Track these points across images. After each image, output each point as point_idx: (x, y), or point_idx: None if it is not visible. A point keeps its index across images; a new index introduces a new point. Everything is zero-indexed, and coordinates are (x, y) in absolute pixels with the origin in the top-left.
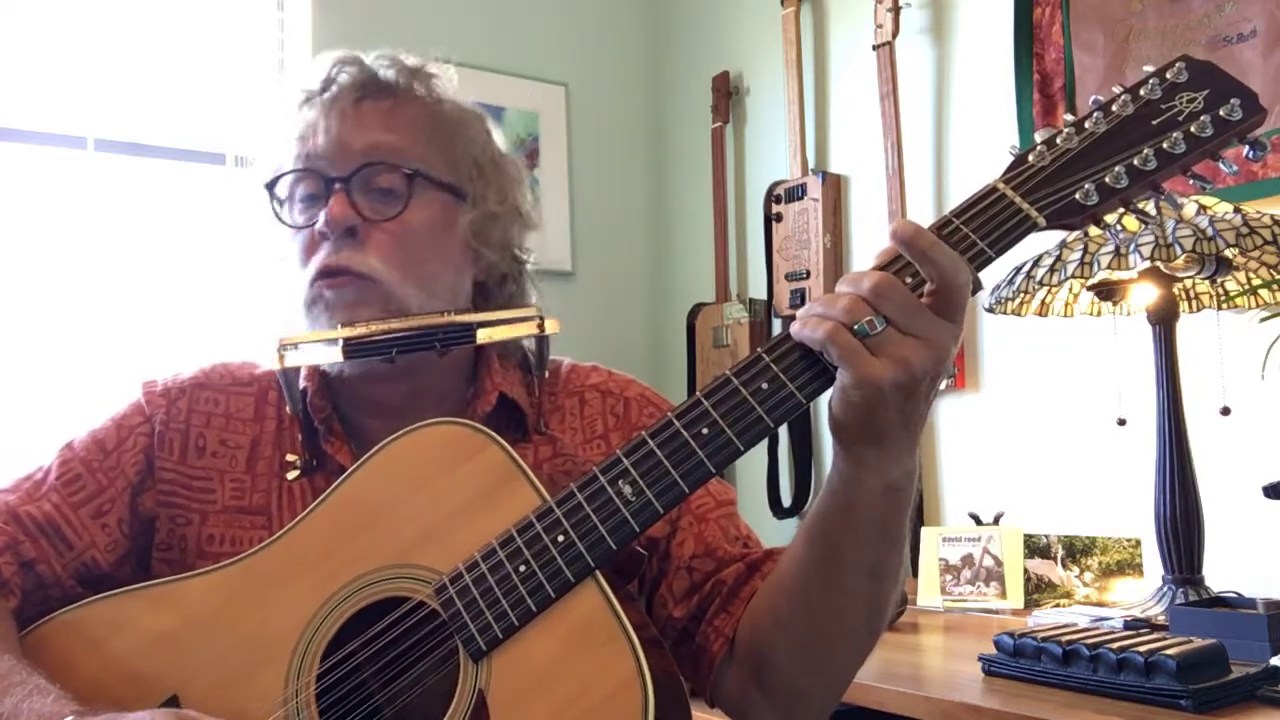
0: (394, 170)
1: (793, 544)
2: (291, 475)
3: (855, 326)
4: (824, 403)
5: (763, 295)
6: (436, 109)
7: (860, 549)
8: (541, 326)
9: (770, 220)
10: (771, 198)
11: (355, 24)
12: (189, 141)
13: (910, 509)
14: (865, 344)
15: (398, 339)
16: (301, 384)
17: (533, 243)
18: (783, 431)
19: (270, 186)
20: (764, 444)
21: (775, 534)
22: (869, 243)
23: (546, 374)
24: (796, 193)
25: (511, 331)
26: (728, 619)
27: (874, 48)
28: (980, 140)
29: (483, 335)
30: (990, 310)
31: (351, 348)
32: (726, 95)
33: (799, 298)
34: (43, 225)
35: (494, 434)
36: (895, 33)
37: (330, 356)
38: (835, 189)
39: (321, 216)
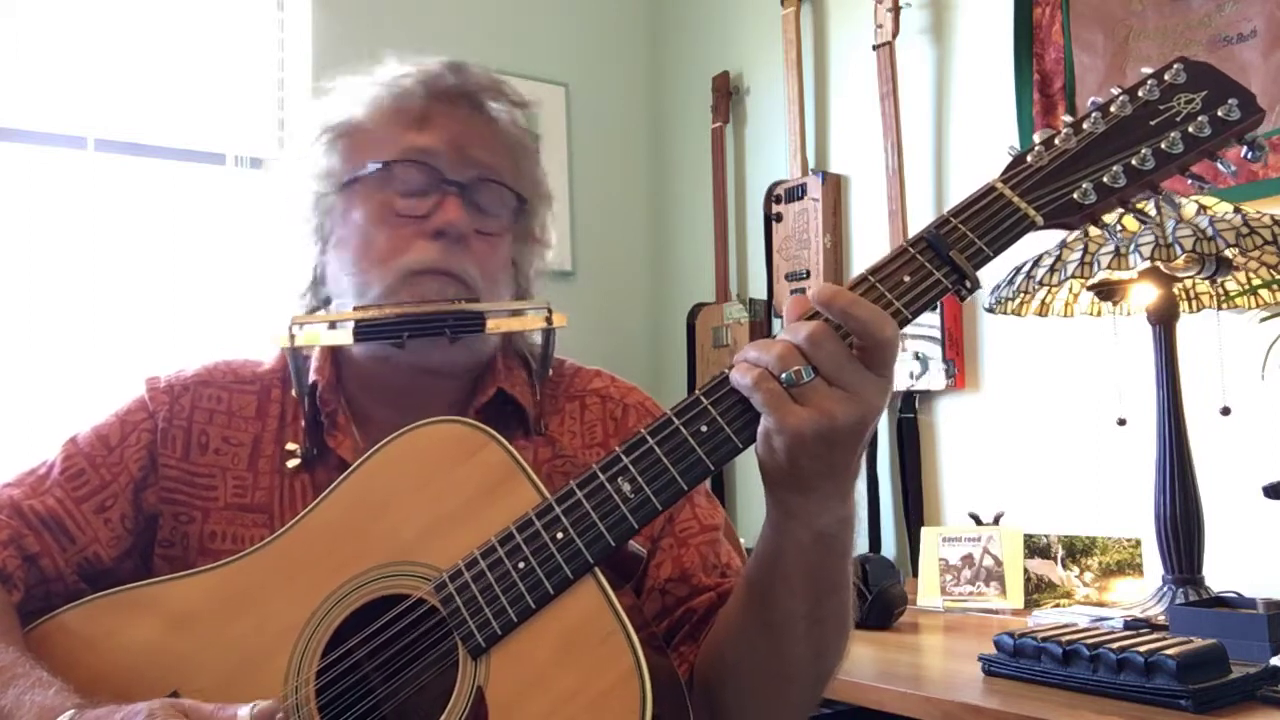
0: (503, 191)
1: (736, 586)
2: (292, 464)
3: (783, 376)
4: None
5: (763, 295)
6: (525, 140)
7: (792, 595)
8: (550, 320)
9: (770, 220)
10: (771, 198)
11: (355, 24)
12: (189, 141)
13: (850, 555)
14: (791, 393)
15: (409, 322)
16: (312, 377)
17: None
18: None
19: (388, 168)
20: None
21: None
22: (869, 243)
23: (550, 372)
24: (796, 193)
25: (521, 323)
26: (693, 647)
27: (874, 48)
28: (980, 140)
29: (492, 325)
30: (990, 310)
31: (363, 329)
32: (726, 95)
33: None
34: (43, 225)
35: (494, 432)
36: (895, 33)
37: (342, 338)
38: (835, 189)
39: (440, 217)
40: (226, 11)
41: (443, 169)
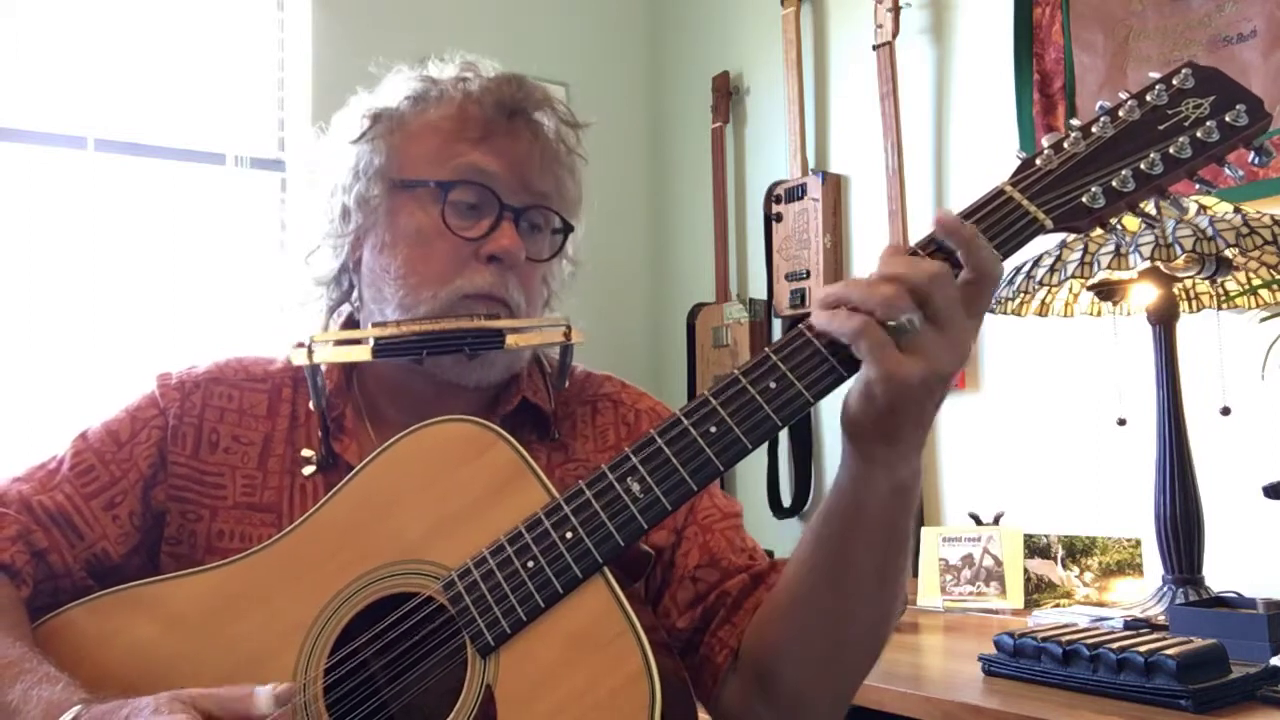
0: (555, 218)
1: (799, 548)
2: (307, 470)
3: (892, 323)
4: (825, 403)
5: (763, 295)
6: (574, 162)
7: (867, 550)
8: (568, 335)
9: (770, 220)
10: (771, 198)
11: (355, 24)
12: (189, 141)
13: (915, 511)
14: (898, 341)
15: (427, 341)
16: (321, 381)
17: None
18: (783, 431)
19: (447, 188)
20: (765, 444)
21: (775, 534)
22: (869, 243)
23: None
24: (796, 193)
25: (539, 339)
26: (732, 630)
27: (874, 48)
28: (980, 140)
29: (511, 340)
30: (990, 310)
31: (382, 347)
32: (726, 95)
33: (799, 298)
34: (43, 225)
35: (503, 431)
36: (895, 33)
37: (360, 355)
38: (835, 189)
39: (494, 243)
40: (226, 12)
41: (500, 193)
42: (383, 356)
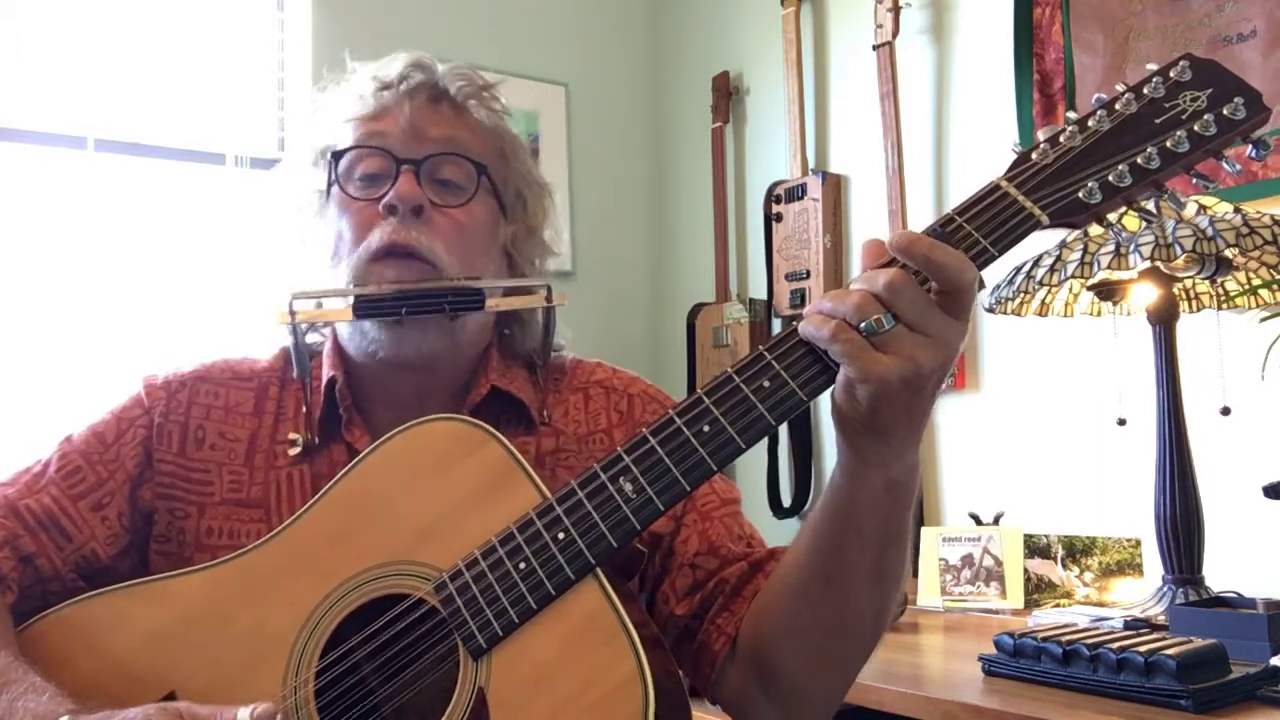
0: (463, 162)
1: (796, 541)
2: (293, 451)
3: (862, 325)
4: (824, 402)
5: (763, 295)
6: (498, 126)
7: (862, 546)
8: (549, 298)
9: (770, 220)
10: (771, 198)
11: (355, 24)
12: (189, 141)
13: (913, 507)
14: (871, 341)
15: (408, 297)
16: (329, 373)
17: None
18: (783, 431)
19: (337, 157)
20: (764, 443)
21: (775, 534)
22: None
23: (552, 364)
24: (796, 193)
25: (521, 302)
26: (730, 617)
27: (874, 48)
28: (980, 140)
29: (491, 303)
30: (990, 310)
31: (362, 305)
32: (726, 95)
33: (799, 298)
34: (43, 225)
35: (493, 430)
36: (895, 33)
37: (341, 314)
38: (835, 189)
39: (391, 192)
40: (226, 11)
41: (394, 150)
42: (362, 315)
